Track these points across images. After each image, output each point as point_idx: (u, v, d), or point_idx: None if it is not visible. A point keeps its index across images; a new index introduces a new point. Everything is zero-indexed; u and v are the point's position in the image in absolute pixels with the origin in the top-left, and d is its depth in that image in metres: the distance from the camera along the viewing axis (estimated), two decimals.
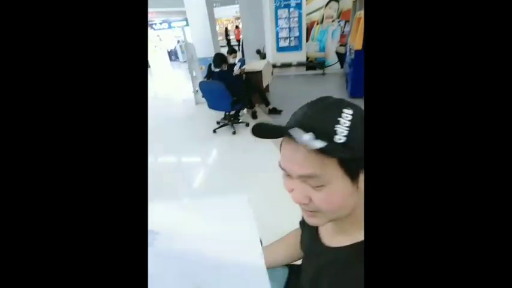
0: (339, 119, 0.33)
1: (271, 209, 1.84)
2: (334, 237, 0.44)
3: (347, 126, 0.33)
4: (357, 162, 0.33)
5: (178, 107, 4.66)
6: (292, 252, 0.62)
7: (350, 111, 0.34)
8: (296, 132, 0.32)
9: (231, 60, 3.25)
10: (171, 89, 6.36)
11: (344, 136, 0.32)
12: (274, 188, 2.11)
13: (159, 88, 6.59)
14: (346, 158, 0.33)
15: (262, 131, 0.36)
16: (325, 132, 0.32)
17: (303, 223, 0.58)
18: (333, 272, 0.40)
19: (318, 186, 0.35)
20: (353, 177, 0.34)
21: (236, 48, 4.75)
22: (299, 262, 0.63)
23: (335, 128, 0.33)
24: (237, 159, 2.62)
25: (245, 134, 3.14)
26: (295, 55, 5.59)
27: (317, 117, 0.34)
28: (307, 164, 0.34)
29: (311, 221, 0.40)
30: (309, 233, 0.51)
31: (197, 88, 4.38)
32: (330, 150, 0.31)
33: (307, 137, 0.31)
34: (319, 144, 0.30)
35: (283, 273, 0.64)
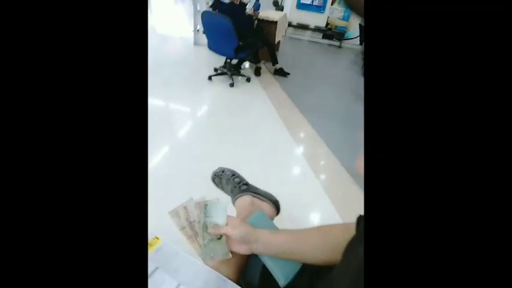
0: None
1: (260, 176, 1.60)
2: None
3: None
4: None
5: (175, 46, 4.09)
6: (328, 252, 0.43)
7: None
8: None
9: None
10: (169, 25, 5.62)
11: None
12: (264, 153, 1.91)
13: (157, 22, 5.81)
14: None
15: None
16: None
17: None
18: None
19: None
20: None
21: None
22: None
23: None
24: (230, 115, 2.30)
25: (244, 89, 2.77)
26: (315, 17, 4.98)
27: None
28: None
29: None
30: None
31: (198, 27, 3.81)
32: None
33: None
34: None
35: (294, 266, 0.47)
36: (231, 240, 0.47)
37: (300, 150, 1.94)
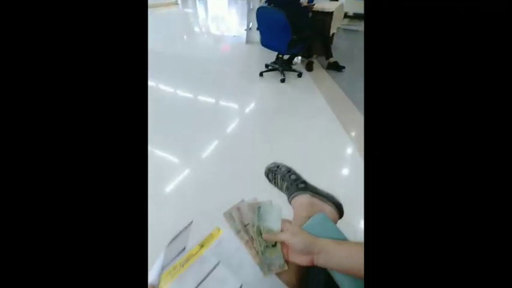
0: None
1: (312, 174, 1.53)
2: None
3: None
4: None
5: (227, 45, 4.27)
6: None
7: None
8: None
9: None
10: (223, 25, 5.88)
11: None
12: (316, 149, 1.82)
13: (211, 24, 6.16)
14: None
15: None
16: None
17: None
18: None
19: None
20: None
21: None
22: None
23: None
24: (280, 110, 2.28)
25: (295, 84, 2.71)
26: None
27: None
28: None
29: None
30: None
31: (250, 25, 3.87)
32: None
33: None
34: None
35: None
36: (291, 249, 0.43)
37: (355, 147, 1.80)
